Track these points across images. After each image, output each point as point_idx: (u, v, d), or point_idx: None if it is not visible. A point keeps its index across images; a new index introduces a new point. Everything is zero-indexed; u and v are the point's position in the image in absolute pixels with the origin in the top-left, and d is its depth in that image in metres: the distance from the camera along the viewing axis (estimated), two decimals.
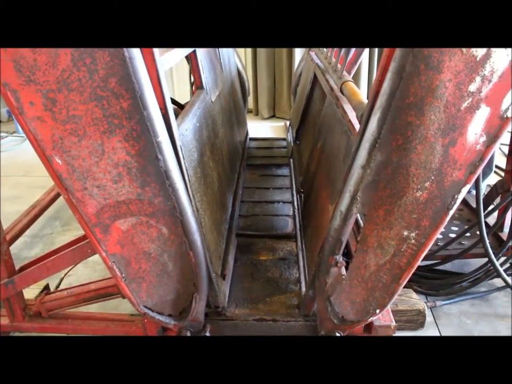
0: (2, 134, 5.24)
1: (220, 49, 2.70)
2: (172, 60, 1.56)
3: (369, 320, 1.41)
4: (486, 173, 2.42)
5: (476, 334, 1.95)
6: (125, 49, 1.02)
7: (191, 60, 2.03)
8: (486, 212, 2.14)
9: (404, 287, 1.41)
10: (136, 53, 1.05)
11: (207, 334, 1.58)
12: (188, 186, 1.34)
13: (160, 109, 1.19)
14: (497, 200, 2.24)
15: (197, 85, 2.11)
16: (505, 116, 1.05)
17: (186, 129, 1.59)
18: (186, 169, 1.36)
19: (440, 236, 2.32)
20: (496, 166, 3.54)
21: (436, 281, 2.22)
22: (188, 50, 1.89)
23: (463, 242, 2.27)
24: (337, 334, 1.48)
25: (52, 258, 1.60)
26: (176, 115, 1.65)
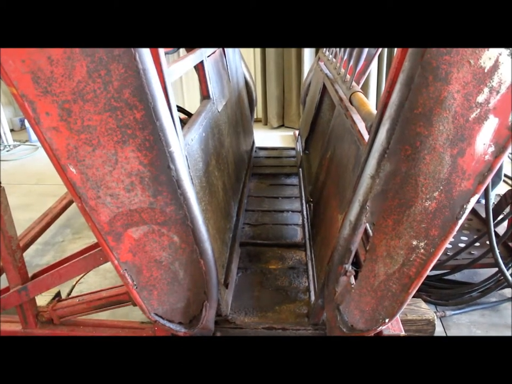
0: (15, 143, 5.31)
1: (227, 59, 2.73)
2: (179, 70, 1.59)
3: (379, 329, 1.42)
4: (495, 183, 2.42)
5: None
6: (138, 60, 1.04)
7: (199, 70, 2.06)
8: (495, 221, 2.13)
9: (413, 297, 1.41)
10: (149, 64, 1.07)
11: None
12: None
13: None
14: (507, 209, 2.23)
15: (203, 95, 2.14)
16: None
17: (192, 139, 1.61)
18: (192, 179, 1.38)
19: (450, 246, 2.31)
20: (505, 175, 3.53)
21: (445, 291, 2.22)
22: (196, 61, 1.92)
23: (472, 252, 2.27)
24: None
25: (64, 265, 1.62)
26: (185, 124, 1.68)
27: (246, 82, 3.58)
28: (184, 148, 1.32)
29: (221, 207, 1.95)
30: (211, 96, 2.13)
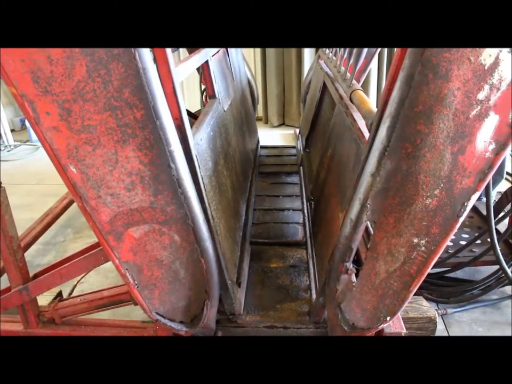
0: (15, 143, 5.31)
1: (230, 58, 2.73)
2: (186, 70, 1.58)
3: (380, 327, 1.41)
4: (496, 180, 2.41)
5: None
6: (138, 60, 1.03)
7: (203, 69, 2.05)
8: (496, 219, 2.13)
9: (415, 295, 1.41)
10: (149, 64, 1.07)
11: None
12: (204, 195, 1.35)
13: (176, 120, 1.21)
14: (508, 207, 2.23)
15: (209, 94, 2.14)
16: None
17: (201, 138, 1.60)
18: (202, 178, 1.38)
19: (451, 243, 2.31)
20: (507, 173, 3.53)
21: (446, 289, 2.22)
22: (201, 60, 1.91)
23: (473, 249, 2.26)
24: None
25: (65, 265, 1.62)
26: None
27: (248, 81, 3.57)
28: (194, 148, 1.31)
29: (230, 206, 1.95)
30: (217, 96, 2.12)
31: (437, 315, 1.90)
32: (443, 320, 2.09)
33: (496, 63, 1.00)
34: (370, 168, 1.18)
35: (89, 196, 1.20)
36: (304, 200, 2.70)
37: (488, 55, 0.99)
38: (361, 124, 1.63)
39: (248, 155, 2.93)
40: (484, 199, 2.50)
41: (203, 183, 1.38)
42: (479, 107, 1.04)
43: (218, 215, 1.61)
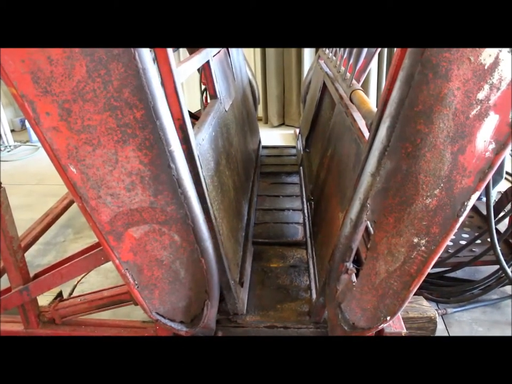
0: (15, 143, 5.31)
1: (231, 58, 2.73)
2: (187, 70, 1.58)
3: (380, 327, 1.41)
4: (496, 180, 2.41)
5: None
6: (138, 60, 1.03)
7: (205, 70, 2.05)
8: (496, 218, 2.13)
9: (415, 294, 1.41)
10: (149, 64, 1.07)
11: None
12: (206, 195, 1.35)
13: (178, 120, 1.21)
14: (508, 207, 2.23)
15: (210, 95, 2.13)
16: None
17: (203, 138, 1.60)
18: (204, 178, 1.38)
19: (451, 243, 2.31)
20: (507, 173, 3.53)
21: (446, 289, 2.22)
22: (202, 61, 1.91)
23: (473, 249, 2.26)
24: None
25: (66, 265, 1.62)
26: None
27: (249, 81, 3.57)
28: (196, 148, 1.32)
29: (232, 206, 1.95)
30: (218, 96, 2.12)
31: (437, 315, 1.90)
32: (443, 320, 2.09)
33: (496, 63, 1.00)
34: (370, 168, 1.18)
35: (89, 196, 1.20)
36: (304, 200, 2.70)
37: (488, 55, 0.99)
38: (361, 123, 1.63)
39: (249, 155, 2.93)
40: (484, 199, 2.50)
41: (205, 183, 1.38)
42: (479, 107, 1.04)
43: (220, 215, 1.61)
